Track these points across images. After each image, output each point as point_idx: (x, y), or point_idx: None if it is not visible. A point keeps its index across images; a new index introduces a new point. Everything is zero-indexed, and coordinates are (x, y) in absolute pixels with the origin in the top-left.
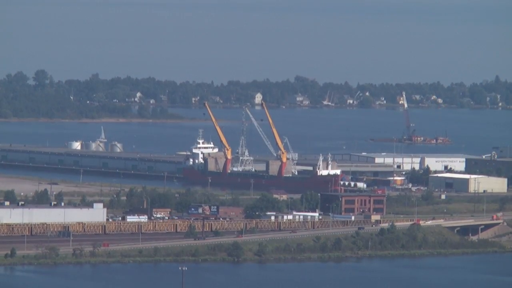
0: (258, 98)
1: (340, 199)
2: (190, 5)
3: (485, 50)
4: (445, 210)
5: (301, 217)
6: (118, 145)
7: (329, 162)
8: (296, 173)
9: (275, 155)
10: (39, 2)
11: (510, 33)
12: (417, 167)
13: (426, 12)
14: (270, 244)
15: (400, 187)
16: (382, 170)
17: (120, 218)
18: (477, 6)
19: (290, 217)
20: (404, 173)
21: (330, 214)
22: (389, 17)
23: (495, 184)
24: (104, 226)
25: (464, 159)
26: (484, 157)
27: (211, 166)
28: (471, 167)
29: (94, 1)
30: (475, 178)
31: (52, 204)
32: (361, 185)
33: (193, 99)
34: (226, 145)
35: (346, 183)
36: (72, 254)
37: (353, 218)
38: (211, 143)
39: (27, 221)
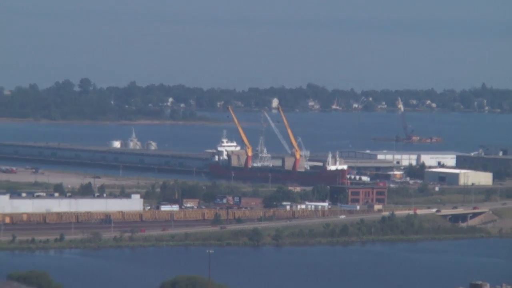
0: (275, 102)
1: (347, 191)
2: (213, 22)
3: (473, 61)
4: (438, 201)
5: (313, 206)
6: (153, 143)
7: (337, 158)
8: (308, 168)
9: (289, 152)
10: (81, 19)
11: (495, 47)
12: (414, 163)
13: (421, 28)
14: (286, 230)
15: (399, 180)
16: (383, 165)
17: (155, 207)
18: (466, 23)
19: (303, 206)
20: (402, 168)
21: (338, 204)
22: (389, 32)
23: (482, 178)
24: (141, 214)
25: (455, 156)
26: (472, 154)
27: (234, 162)
28: (461, 163)
29: (132, 18)
30: (465, 172)
31: (96, 195)
32: (365, 178)
33: (218, 103)
34: (247, 144)
35: (352, 177)
36: (113, 238)
37: (358, 207)
38: (234, 142)
39: (74, 210)
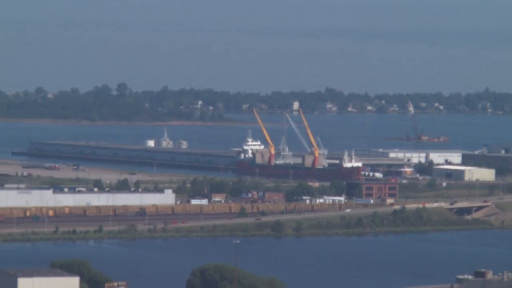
0: (296, 105)
1: (361, 186)
2: (238, 31)
3: (477, 67)
4: (445, 195)
5: (330, 200)
6: (184, 142)
7: (352, 156)
8: (326, 165)
9: (309, 151)
10: (118, 29)
11: (497, 54)
12: (423, 160)
13: (430, 37)
14: (306, 222)
15: (409, 176)
16: (395, 163)
17: (186, 201)
18: (471, 33)
19: (321, 200)
20: (412, 165)
21: (353, 198)
22: (400, 41)
23: (485, 174)
24: (173, 207)
25: (460, 154)
26: (476, 152)
27: (258, 160)
28: (466, 161)
29: (163, 28)
30: (470, 169)
31: (131, 190)
32: (378, 175)
33: (244, 106)
34: (270, 143)
35: (366, 173)
36: (147, 230)
37: (372, 201)
38: (258, 141)
39: (112, 204)
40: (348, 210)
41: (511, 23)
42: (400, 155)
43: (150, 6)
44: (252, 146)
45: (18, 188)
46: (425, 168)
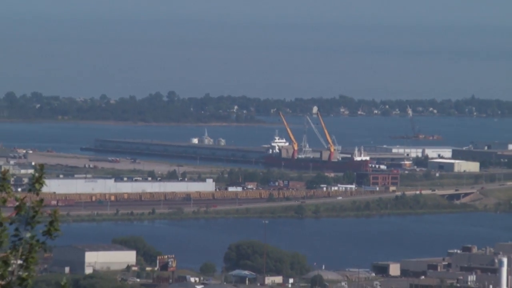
0: (315, 109)
1: (369, 176)
2: (267, 48)
3: (465, 78)
4: (438, 184)
5: (343, 188)
6: (222, 140)
7: (362, 151)
8: (340, 159)
9: (326, 147)
10: (165, 45)
11: (481, 67)
12: (420, 155)
13: (425, 52)
14: (323, 206)
15: (409, 168)
16: (397, 157)
17: (224, 188)
18: (462, 48)
19: (336, 188)
20: (411, 159)
21: (362, 186)
22: (401, 55)
23: (471, 166)
24: (213, 193)
25: (451, 150)
26: (464, 148)
27: (284, 154)
28: (455, 155)
29: (206, 45)
30: (458, 162)
31: (179, 179)
32: (382, 167)
33: (272, 110)
34: (294, 140)
35: (373, 165)
36: (192, 212)
37: (377, 189)
38: (284, 139)
39: (163, 190)
40: (340, 198)
41: (491, 41)
42: (401, 150)
43: (195, 26)
44: (279, 143)
45: (85, 178)
46: (422, 161)
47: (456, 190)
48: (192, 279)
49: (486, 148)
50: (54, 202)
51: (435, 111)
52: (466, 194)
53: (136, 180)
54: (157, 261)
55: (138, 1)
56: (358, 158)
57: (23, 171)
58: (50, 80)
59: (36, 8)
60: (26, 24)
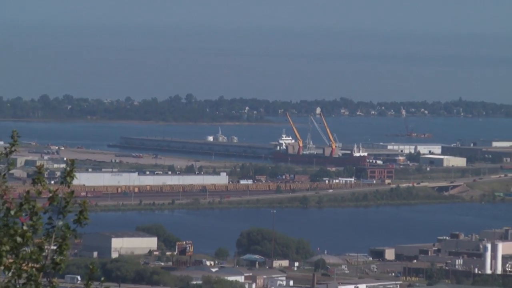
0: (318, 110)
1: (367, 170)
2: (277, 56)
3: (453, 82)
4: (429, 177)
5: (344, 181)
6: (235, 138)
7: (360, 148)
8: (341, 154)
9: (328, 144)
10: (185, 53)
11: (468, 73)
12: (412, 151)
13: (416, 59)
14: (325, 197)
15: (402, 163)
16: (392, 153)
17: (236, 181)
18: (451, 55)
19: (337, 181)
20: (404, 154)
21: (360, 179)
22: (394, 63)
23: (459, 161)
24: (227, 186)
25: (440, 146)
26: (452, 145)
27: (290, 151)
28: (444, 151)
29: (222, 54)
30: (447, 157)
31: (196, 173)
32: (379, 162)
33: (279, 111)
34: (299, 138)
35: (370, 160)
36: (207, 202)
37: (374, 181)
38: (290, 137)
39: (181, 183)
40: (330, 190)
41: (477, 49)
42: (395, 147)
43: (211, 36)
44: (285, 140)
45: (111, 172)
46: (414, 157)
47: (451, 182)
48: (208, 263)
49: (472, 145)
50: (83, 194)
51: (426, 112)
52: (454, 187)
53: (157, 174)
54: (176, 247)
55: (156, 11)
56: (357, 154)
57: (55, 166)
58: (80, 84)
59: (66, 18)
60: (58, 33)
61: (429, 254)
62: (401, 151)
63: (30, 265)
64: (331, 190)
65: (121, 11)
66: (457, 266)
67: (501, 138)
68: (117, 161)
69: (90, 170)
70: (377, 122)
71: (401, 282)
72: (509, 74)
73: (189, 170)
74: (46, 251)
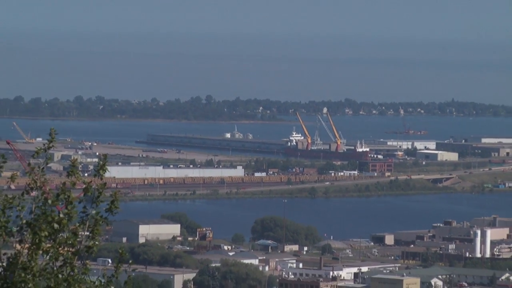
0: (325, 110)
1: (369, 164)
2: (290, 60)
3: (446, 85)
4: (425, 170)
5: (348, 174)
6: (250, 135)
7: (363, 144)
8: (345, 150)
9: (334, 140)
10: (205, 58)
11: (457, 77)
12: (410, 147)
13: (411, 63)
14: (331, 188)
15: (401, 157)
16: (391, 148)
17: (251, 174)
18: (441, 60)
19: (342, 173)
20: (402, 150)
21: (363, 172)
22: (393, 67)
23: (451, 156)
24: (243, 178)
25: (435, 142)
26: (446, 141)
27: (299, 146)
28: (438, 147)
29: (240, 58)
30: (441, 152)
31: (215, 166)
32: (379, 156)
33: (290, 110)
34: (307, 135)
35: (372, 155)
36: (225, 193)
37: (375, 174)
38: (299, 134)
39: (202, 175)
40: (327, 183)
41: (469, 55)
42: (394, 143)
43: (228, 43)
44: (295, 137)
45: (139, 165)
46: (411, 152)
47: (450, 174)
48: (225, 247)
49: (463, 141)
50: (114, 185)
51: (422, 111)
52: (447, 179)
53: (180, 167)
54: (197, 233)
55: (179, 20)
56: (359, 150)
57: (89, 160)
58: (110, 86)
59: (93, 26)
60: (90, 40)
61: (425, 239)
62: (400, 146)
63: (66, 249)
64: (327, 183)
65: (148, 19)
66: (450, 250)
67: (489, 135)
68: (144, 155)
69: (120, 164)
70: (378, 121)
71: (399, 264)
72: (496, 77)
73: (209, 164)
74: (80, 236)
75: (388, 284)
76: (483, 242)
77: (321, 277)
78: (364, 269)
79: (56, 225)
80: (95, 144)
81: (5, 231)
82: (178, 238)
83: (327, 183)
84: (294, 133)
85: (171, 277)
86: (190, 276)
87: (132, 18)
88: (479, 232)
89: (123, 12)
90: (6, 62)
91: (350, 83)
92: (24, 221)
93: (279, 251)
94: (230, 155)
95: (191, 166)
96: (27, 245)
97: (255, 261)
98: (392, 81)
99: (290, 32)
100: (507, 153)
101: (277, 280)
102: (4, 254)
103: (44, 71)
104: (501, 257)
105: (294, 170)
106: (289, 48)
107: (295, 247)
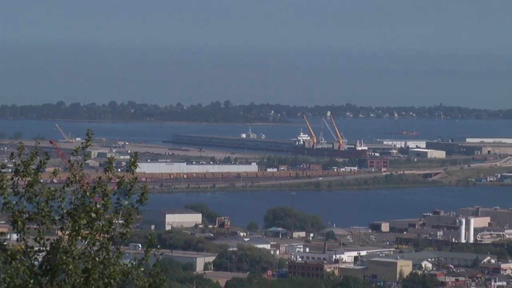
0: (328, 113)
1: (367, 161)
2: (300, 68)
3: (434, 90)
4: (416, 166)
5: (349, 169)
6: (263, 135)
7: (362, 143)
8: (346, 148)
9: (336, 140)
10: (222, 67)
11: (445, 81)
12: (403, 145)
13: (406, 73)
14: (334, 182)
15: (395, 155)
16: (387, 147)
17: (264, 169)
18: (430, 69)
19: (343, 169)
20: (397, 148)
21: (362, 168)
22: (385, 75)
23: (440, 154)
24: (256, 173)
25: (425, 142)
26: (435, 141)
27: (306, 145)
28: (428, 146)
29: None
30: (430, 151)
31: (232, 162)
32: (376, 154)
33: (298, 114)
34: (313, 135)
35: (370, 153)
36: (241, 186)
37: (373, 170)
38: (306, 134)
39: (220, 171)
40: (308, 179)
41: (455, 65)
42: (389, 142)
43: (245, 54)
44: (303, 137)
45: (165, 162)
46: (404, 150)
47: (445, 169)
48: (241, 234)
49: (450, 141)
50: (143, 179)
51: (413, 114)
52: (436, 174)
53: (201, 164)
54: (217, 221)
55: (201, 35)
56: (359, 148)
57: (121, 157)
58: (141, 92)
59: (128, 39)
60: (120, 51)
61: (416, 227)
62: (394, 145)
63: (102, 235)
64: (320, 178)
65: (175, 34)
66: (438, 237)
67: (473, 135)
68: (170, 153)
69: (148, 160)
70: (375, 123)
71: (393, 249)
72: (479, 84)
73: (227, 161)
74: (115, 224)
75: (384, 266)
76: (467, 229)
77: (325, 260)
78: (363, 253)
79: (93, 214)
80: (127, 143)
81: (48, 219)
82: (200, 226)
83: (329, 177)
84: (301, 133)
85: (194, 260)
86: (210, 259)
87: (161, 31)
88: (463, 220)
89: (155, 26)
90: (50, 72)
91: (351, 90)
92: (65, 211)
93: (288, 237)
94: (245, 153)
95: (211, 162)
96: (67, 232)
97: (267, 246)
98: (388, 88)
99: (297, 46)
100: (488, 151)
101: (287, 262)
102: (48, 239)
103: (83, 80)
104: (483, 242)
105: (301, 166)
106: (297, 60)
107: (302, 234)
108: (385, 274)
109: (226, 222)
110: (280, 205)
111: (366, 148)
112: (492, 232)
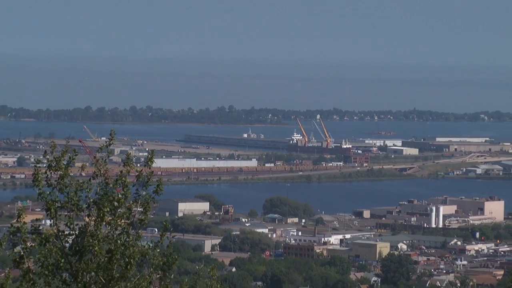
0: (318, 116)
1: (351, 157)
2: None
3: (410, 97)
4: (393, 162)
5: (336, 164)
6: (262, 135)
7: (347, 142)
8: (333, 146)
9: (324, 139)
10: (226, 76)
11: (419, 89)
12: (382, 144)
13: (383, 81)
14: (323, 175)
15: (375, 152)
16: (368, 145)
17: (262, 164)
18: (403, 78)
19: (331, 164)
20: (376, 146)
21: (347, 163)
22: (370, 83)
23: (413, 151)
24: (256, 168)
25: (401, 141)
26: (409, 140)
27: (299, 144)
28: (404, 144)
29: (259, 78)
30: (405, 148)
31: (235, 159)
32: (359, 151)
33: (292, 116)
34: (305, 135)
35: (353, 150)
36: (243, 179)
37: (356, 165)
38: (299, 134)
39: (225, 166)
40: (300, 173)
41: (428, 74)
42: (370, 141)
43: (245, 65)
44: (296, 137)
45: (178, 158)
46: (383, 148)
47: (418, 165)
48: (243, 220)
49: (422, 140)
50: (159, 173)
51: (391, 117)
52: (410, 168)
53: (209, 159)
54: (222, 209)
55: (208, 48)
56: (344, 146)
57: (140, 154)
58: (157, 98)
59: (142, 53)
60: (140, 64)
61: (393, 214)
62: (374, 144)
63: (123, 221)
64: (311, 172)
65: (186, 48)
66: (412, 222)
67: (442, 135)
68: (182, 151)
69: (163, 157)
70: (358, 125)
71: (374, 233)
72: (447, 91)
73: (231, 157)
74: (134, 211)
75: (365, 248)
76: (437, 216)
77: (315, 242)
78: (348, 236)
79: (115, 203)
80: (145, 142)
81: (77, 207)
82: (208, 213)
83: (321, 171)
84: (295, 134)
85: (202, 242)
86: (217, 241)
87: (175, 46)
88: (434, 208)
89: (170, 42)
90: (80, 81)
91: (337, 96)
92: (91, 200)
93: (284, 223)
94: (246, 151)
95: (218, 158)
96: (93, 218)
97: (265, 230)
98: (369, 95)
99: (291, 58)
100: (455, 149)
101: (282, 244)
102: (77, 224)
103: (108, 88)
104: (450, 227)
105: (295, 161)
106: (292, 71)
107: (296, 220)
108: (366, 254)
109: (230, 210)
110: (277, 195)
111: (350, 146)
112: (458, 218)
